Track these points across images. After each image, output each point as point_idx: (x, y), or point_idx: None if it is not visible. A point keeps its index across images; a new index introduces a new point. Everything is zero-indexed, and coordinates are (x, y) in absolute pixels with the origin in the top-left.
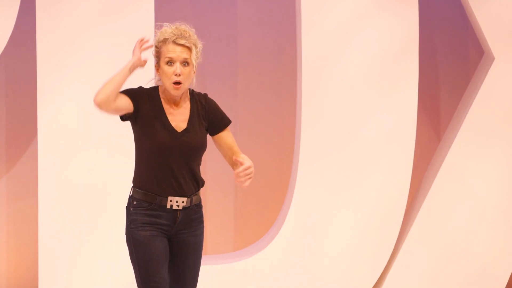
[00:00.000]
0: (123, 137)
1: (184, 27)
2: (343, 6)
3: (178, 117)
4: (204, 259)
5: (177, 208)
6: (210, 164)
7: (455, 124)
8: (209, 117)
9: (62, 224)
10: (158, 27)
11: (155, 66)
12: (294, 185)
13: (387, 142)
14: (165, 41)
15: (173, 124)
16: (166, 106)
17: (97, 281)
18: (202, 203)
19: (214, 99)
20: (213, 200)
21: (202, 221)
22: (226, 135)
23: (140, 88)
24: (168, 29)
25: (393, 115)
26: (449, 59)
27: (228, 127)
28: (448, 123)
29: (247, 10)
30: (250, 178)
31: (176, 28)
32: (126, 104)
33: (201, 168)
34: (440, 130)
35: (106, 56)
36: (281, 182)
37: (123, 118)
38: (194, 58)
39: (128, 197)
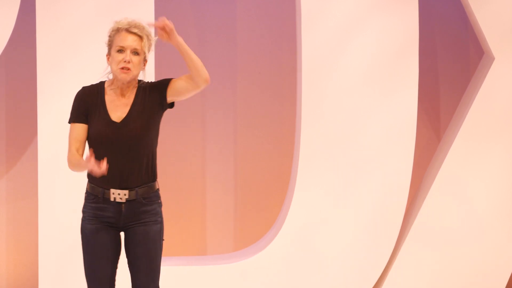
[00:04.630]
0: None
1: (140, 22)
2: (343, 6)
3: (121, 108)
4: (204, 259)
5: (120, 200)
6: (210, 164)
7: (455, 124)
8: (153, 94)
9: (62, 224)
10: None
11: (107, 55)
12: (294, 185)
13: (387, 142)
14: (118, 30)
15: (114, 115)
16: (110, 99)
17: None
18: (202, 202)
19: (214, 99)
20: (213, 200)
21: (156, 214)
22: (175, 80)
23: (78, 97)
24: (123, 20)
25: (393, 115)
26: (449, 59)
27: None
28: (448, 123)
29: (247, 10)
30: (166, 29)
31: (132, 20)
32: (85, 130)
33: (200, 167)
34: (440, 130)
35: None
36: (281, 182)
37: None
38: (146, 48)
39: None
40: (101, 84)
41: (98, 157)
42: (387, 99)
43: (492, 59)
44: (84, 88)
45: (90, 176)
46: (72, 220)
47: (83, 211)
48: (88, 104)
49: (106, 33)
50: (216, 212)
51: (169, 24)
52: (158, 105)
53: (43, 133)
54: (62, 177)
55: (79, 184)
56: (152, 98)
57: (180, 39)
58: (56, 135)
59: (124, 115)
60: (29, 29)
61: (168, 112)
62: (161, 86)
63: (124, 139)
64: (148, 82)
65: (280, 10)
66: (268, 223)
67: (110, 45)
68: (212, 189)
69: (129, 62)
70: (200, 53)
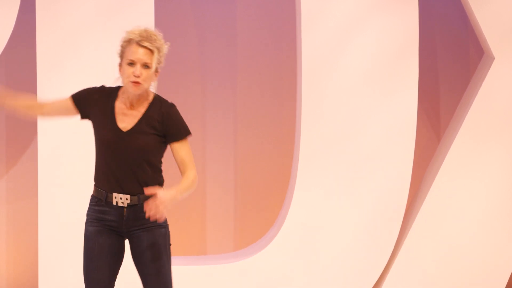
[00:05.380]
0: None
1: (152, 31)
2: (343, 6)
3: (129, 118)
4: (204, 259)
5: (122, 205)
6: (210, 164)
7: (455, 124)
8: (164, 125)
9: (62, 224)
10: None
11: (119, 65)
12: (294, 185)
13: (387, 142)
14: (129, 41)
15: (121, 123)
16: (120, 106)
17: None
18: (202, 202)
19: (214, 99)
20: (213, 200)
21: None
22: (179, 147)
23: (92, 89)
24: (136, 30)
25: (393, 115)
26: (449, 59)
27: (185, 141)
28: (448, 123)
29: (247, 10)
30: (159, 212)
31: (144, 30)
32: (64, 110)
33: (200, 167)
34: (440, 130)
35: (106, 56)
36: (281, 182)
37: (81, 117)
38: (155, 62)
39: None
40: (117, 89)
41: (101, 161)
42: (387, 99)
43: (492, 59)
44: (103, 87)
45: (96, 179)
46: (72, 220)
47: (87, 214)
48: (96, 104)
49: (106, 33)
50: (216, 212)
51: (161, 204)
52: (158, 134)
53: (43, 133)
54: (62, 177)
55: (79, 184)
56: (159, 126)
57: (171, 198)
58: (56, 135)
59: (130, 126)
60: (29, 29)
61: None
62: (171, 136)
63: (127, 149)
64: (166, 104)
65: (280, 10)
66: (268, 223)
67: (121, 56)
68: (212, 189)
69: (139, 76)
70: (200, 53)
